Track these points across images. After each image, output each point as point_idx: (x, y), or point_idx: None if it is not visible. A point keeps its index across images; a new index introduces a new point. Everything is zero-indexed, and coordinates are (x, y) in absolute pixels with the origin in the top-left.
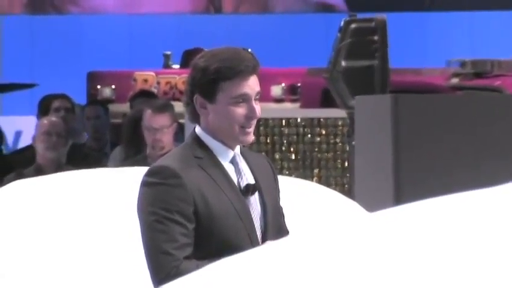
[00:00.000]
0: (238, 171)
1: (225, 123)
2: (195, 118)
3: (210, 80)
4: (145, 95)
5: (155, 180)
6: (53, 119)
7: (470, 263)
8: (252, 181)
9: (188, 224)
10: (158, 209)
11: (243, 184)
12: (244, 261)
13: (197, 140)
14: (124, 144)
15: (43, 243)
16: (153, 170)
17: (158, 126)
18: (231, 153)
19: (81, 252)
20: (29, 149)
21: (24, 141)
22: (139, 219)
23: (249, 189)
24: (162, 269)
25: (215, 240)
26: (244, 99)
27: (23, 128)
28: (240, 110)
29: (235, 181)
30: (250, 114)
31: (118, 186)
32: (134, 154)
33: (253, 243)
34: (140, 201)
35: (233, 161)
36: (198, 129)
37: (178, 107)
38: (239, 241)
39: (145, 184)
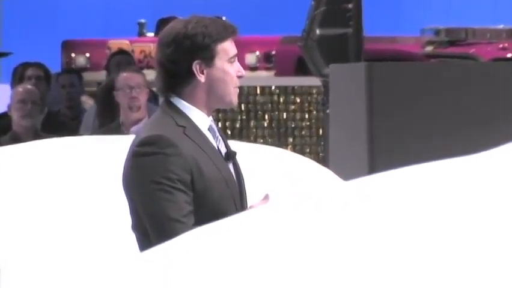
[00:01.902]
0: (216, 138)
1: (222, 85)
2: (171, 88)
3: (211, 42)
4: (122, 53)
5: (151, 150)
6: (28, 86)
7: (442, 232)
8: (225, 148)
9: (189, 192)
10: (160, 178)
11: (222, 151)
12: (239, 224)
13: (174, 109)
14: (97, 112)
15: (21, 211)
16: (147, 140)
17: (134, 84)
18: (208, 121)
19: (59, 219)
20: (4, 116)
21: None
22: (136, 190)
23: (229, 156)
24: (176, 237)
25: (207, 208)
26: (235, 59)
27: None
28: (233, 70)
29: (216, 148)
30: (239, 73)
31: (97, 154)
32: (108, 122)
33: (237, 209)
34: (135, 171)
35: (210, 129)
36: (174, 99)
37: (152, 75)
38: (227, 208)
39: (139, 154)
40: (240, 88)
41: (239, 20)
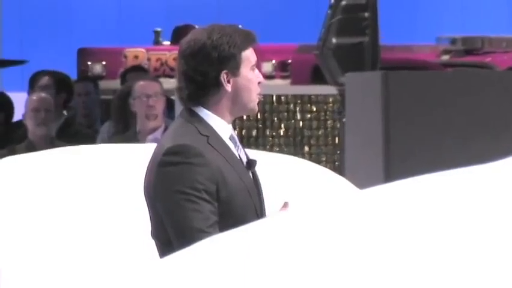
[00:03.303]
0: (237, 147)
1: (247, 93)
2: (196, 98)
3: (237, 52)
4: (137, 70)
5: (178, 159)
6: (42, 95)
7: (458, 240)
8: (245, 157)
9: (214, 202)
10: (187, 188)
11: (243, 160)
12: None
13: (196, 117)
14: (113, 119)
15: (36, 219)
16: (173, 149)
17: (152, 92)
18: (229, 130)
19: (73, 226)
20: (21, 124)
21: (16, 118)
22: (161, 200)
23: (250, 165)
24: None
25: (230, 218)
26: (255, 66)
27: (14, 104)
28: (255, 78)
29: (237, 157)
30: (260, 79)
31: (113, 163)
32: (122, 130)
33: (258, 218)
34: (161, 181)
35: (231, 137)
36: (196, 108)
37: (168, 83)
38: (249, 218)
39: (166, 164)
40: None
41: (254, 29)
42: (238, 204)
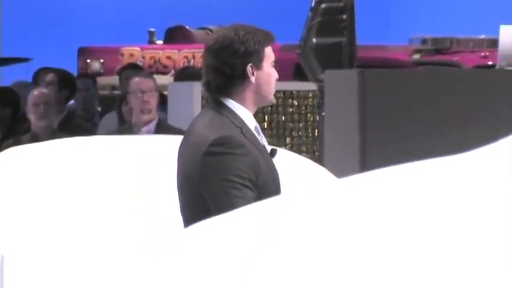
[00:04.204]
0: (261, 137)
1: (267, 86)
2: (224, 89)
3: (260, 47)
4: (133, 67)
5: (222, 150)
6: (42, 90)
7: (432, 228)
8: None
9: (255, 190)
10: (233, 176)
11: (267, 149)
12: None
13: (226, 109)
14: (117, 114)
15: (39, 207)
16: (219, 140)
17: (146, 88)
18: (254, 121)
19: (74, 215)
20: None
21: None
22: (207, 187)
23: (273, 154)
24: None
25: None
26: (273, 63)
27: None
28: (273, 73)
29: (263, 147)
30: (276, 76)
31: (111, 154)
32: (119, 124)
33: None
34: (208, 169)
35: (255, 128)
36: (225, 99)
37: (161, 80)
38: None
39: (212, 153)
40: None
41: None
42: (268, 192)
